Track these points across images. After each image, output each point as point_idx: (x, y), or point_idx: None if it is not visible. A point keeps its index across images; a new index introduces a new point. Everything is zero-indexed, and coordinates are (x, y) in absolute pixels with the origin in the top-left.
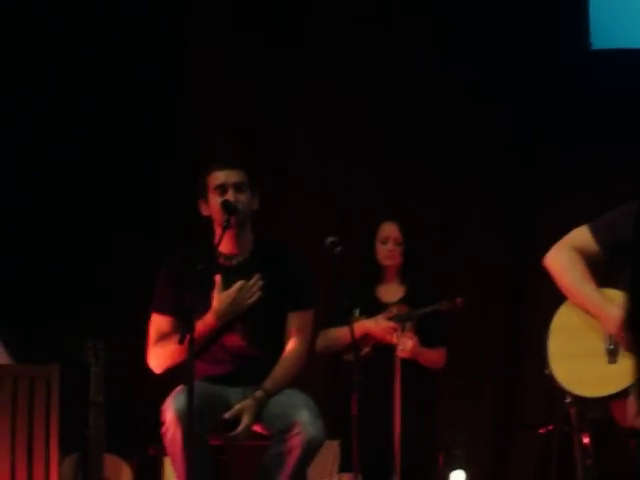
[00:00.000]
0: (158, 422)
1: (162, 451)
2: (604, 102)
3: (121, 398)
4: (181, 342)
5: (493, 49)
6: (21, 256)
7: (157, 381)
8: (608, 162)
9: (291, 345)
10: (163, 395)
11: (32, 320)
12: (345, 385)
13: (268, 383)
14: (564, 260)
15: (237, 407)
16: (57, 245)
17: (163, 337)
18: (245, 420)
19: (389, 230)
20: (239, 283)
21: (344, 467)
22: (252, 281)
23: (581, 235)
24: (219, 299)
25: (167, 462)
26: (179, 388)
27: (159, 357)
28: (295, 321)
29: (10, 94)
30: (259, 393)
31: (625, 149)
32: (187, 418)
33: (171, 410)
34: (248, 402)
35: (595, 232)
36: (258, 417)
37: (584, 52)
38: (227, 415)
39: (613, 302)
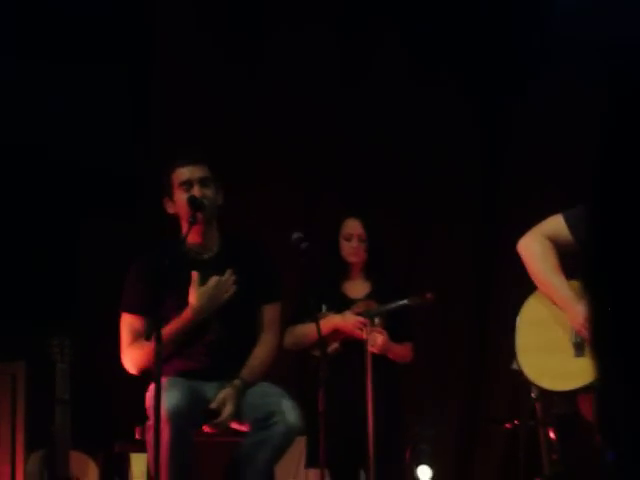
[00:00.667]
0: (125, 418)
1: (129, 448)
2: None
3: (87, 395)
4: (148, 338)
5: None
6: None
7: (123, 378)
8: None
9: (264, 337)
10: (130, 392)
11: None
12: (313, 381)
13: (245, 373)
14: (537, 248)
15: (220, 396)
16: (25, 241)
17: (136, 337)
18: (228, 408)
19: (353, 227)
20: (214, 279)
21: (310, 463)
22: (226, 276)
23: (555, 223)
24: (196, 295)
25: (134, 459)
26: (165, 383)
27: (136, 358)
28: (267, 314)
29: None
30: (237, 382)
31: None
32: (177, 418)
33: (163, 408)
34: (228, 391)
35: (569, 221)
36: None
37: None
38: (213, 405)
39: (581, 296)
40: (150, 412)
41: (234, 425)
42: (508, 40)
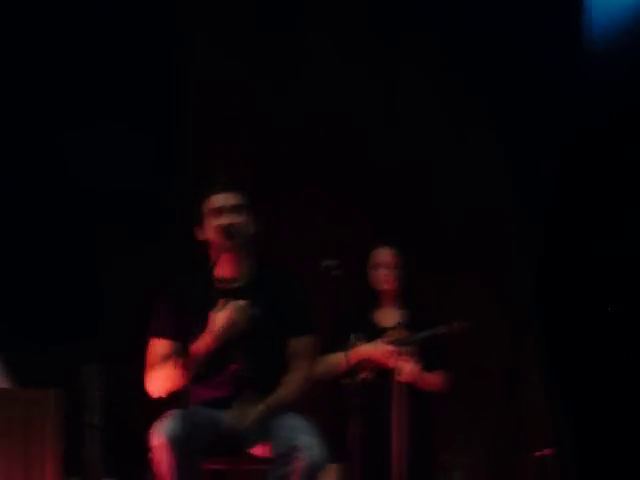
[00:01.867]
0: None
1: None
2: None
3: (119, 422)
4: (176, 365)
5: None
6: (23, 279)
7: (155, 405)
8: None
9: (294, 369)
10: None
11: (32, 343)
12: (344, 409)
13: (270, 399)
14: None
15: (236, 413)
16: (59, 269)
17: (161, 361)
18: (249, 416)
19: (383, 255)
20: (234, 303)
21: None
22: (241, 303)
23: None
24: (214, 319)
25: None
26: (168, 414)
27: (157, 380)
28: (298, 346)
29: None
30: (261, 406)
31: None
32: (177, 443)
33: (159, 436)
34: (249, 409)
35: None
36: (260, 434)
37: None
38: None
39: None
40: (150, 442)
41: (257, 451)
42: None
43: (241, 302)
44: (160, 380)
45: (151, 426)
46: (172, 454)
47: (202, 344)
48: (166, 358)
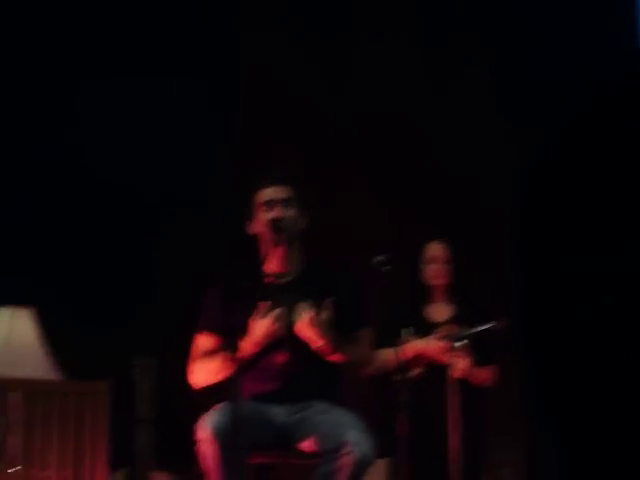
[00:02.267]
0: None
1: None
2: None
3: (170, 414)
4: (226, 361)
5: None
6: (74, 272)
7: (206, 398)
8: None
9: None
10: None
11: (85, 336)
12: (394, 405)
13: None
14: None
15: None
16: (109, 263)
17: (204, 355)
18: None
19: (436, 250)
20: (277, 311)
21: None
22: (281, 310)
23: None
24: (255, 327)
25: None
26: (215, 407)
27: (200, 373)
28: (356, 336)
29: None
30: (325, 318)
31: None
32: (223, 436)
33: (206, 428)
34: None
35: None
36: (308, 429)
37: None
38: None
39: None
40: (196, 435)
41: (304, 446)
42: None
43: (281, 309)
44: (203, 372)
45: (199, 419)
46: (217, 447)
47: (244, 350)
48: (210, 353)
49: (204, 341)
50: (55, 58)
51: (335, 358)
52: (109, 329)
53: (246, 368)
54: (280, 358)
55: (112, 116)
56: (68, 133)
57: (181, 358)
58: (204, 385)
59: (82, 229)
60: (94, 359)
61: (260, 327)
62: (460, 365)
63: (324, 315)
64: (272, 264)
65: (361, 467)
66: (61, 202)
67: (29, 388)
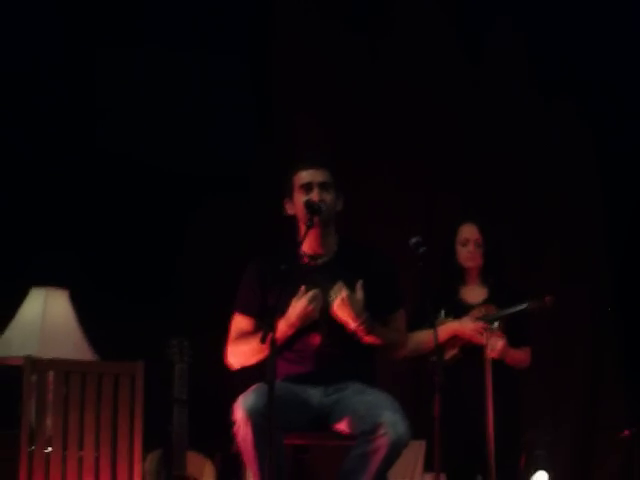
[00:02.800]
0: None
1: None
2: None
3: (205, 395)
4: (263, 342)
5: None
6: (110, 254)
7: (240, 379)
8: None
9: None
10: None
11: (118, 317)
12: (430, 386)
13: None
14: None
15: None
16: (143, 245)
17: (243, 335)
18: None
19: (469, 232)
20: (312, 292)
21: (430, 467)
22: (317, 292)
23: None
24: (293, 307)
25: None
26: (251, 388)
27: (238, 354)
28: (393, 321)
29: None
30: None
31: None
32: (258, 417)
33: (241, 409)
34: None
35: None
36: (344, 410)
37: None
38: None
39: None
40: (233, 416)
41: (340, 427)
42: None
43: (316, 291)
44: (241, 354)
45: (234, 400)
46: (253, 428)
47: (279, 331)
48: (247, 334)
49: (240, 322)
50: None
51: (370, 339)
52: (143, 310)
53: (281, 349)
54: (315, 339)
55: (149, 97)
56: (101, 120)
57: (215, 339)
58: (240, 366)
59: (117, 210)
60: (129, 340)
61: (295, 308)
62: (496, 346)
63: (358, 295)
64: (308, 246)
65: (396, 449)
66: (96, 183)
67: (65, 369)
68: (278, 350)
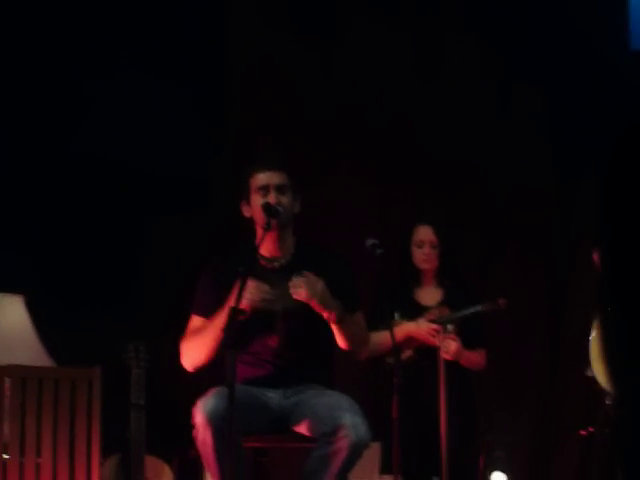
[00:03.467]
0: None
1: None
2: None
3: (162, 400)
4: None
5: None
6: (65, 259)
7: (198, 383)
8: None
9: None
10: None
11: (75, 322)
12: (387, 388)
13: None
14: None
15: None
16: (98, 249)
17: (194, 331)
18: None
19: (424, 233)
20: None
21: (385, 469)
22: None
23: None
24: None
25: None
26: (211, 391)
27: (190, 349)
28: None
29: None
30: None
31: None
32: (218, 420)
33: (201, 413)
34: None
35: None
36: (304, 411)
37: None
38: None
39: None
40: (193, 420)
41: (300, 429)
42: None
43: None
44: (191, 351)
45: (193, 404)
46: (213, 431)
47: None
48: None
49: (197, 324)
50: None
51: (339, 330)
52: (100, 315)
53: (239, 352)
54: (273, 341)
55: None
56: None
57: (173, 343)
58: (193, 366)
59: (71, 215)
60: (86, 345)
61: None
62: (451, 347)
63: (320, 284)
64: (265, 248)
65: (357, 450)
66: (50, 188)
67: (21, 375)
68: (236, 353)
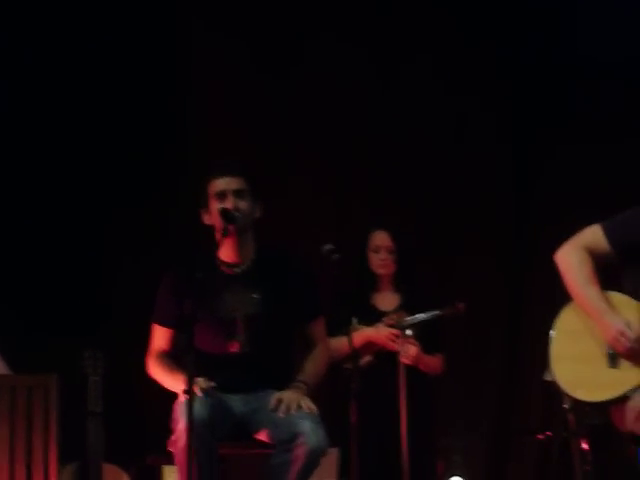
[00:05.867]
0: (157, 431)
1: (161, 460)
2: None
3: (119, 408)
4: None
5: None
6: (20, 266)
7: (155, 390)
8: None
9: (317, 349)
10: (161, 405)
11: (30, 330)
12: (344, 393)
13: (305, 375)
14: (573, 259)
15: (279, 397)
16: (56, 256)
17: (161, 356)
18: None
19: (381, 239)
20: None
21: (343, 475)
22: None
23: (593, 234)
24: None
25: (166, 471)
26: (188, 397)
27: (156, 375)
28: (315, 329)
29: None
30: (298, 384)
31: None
32: (199, 427)
33: (184, 420)
34: (290, 392)
35: (607, 232)
36: (264, 419)
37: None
38: (280, 413)
39: (614, 308)
40: (173, 426)
41: (260, 436)
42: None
43: None
44: (160, 379)
45: (154, 412)
46: (194, 438)
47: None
48: (165, 346)
49: (159, 334)
50: None
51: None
52: (56, 322)
53: (201, 357)
54: (234, 347)
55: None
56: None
57: (130, 351)
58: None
59: (26, 221)
60: (42, 353)
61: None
62: (410, 352)
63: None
64: (225, 254)
65: (314, 458)
66: (7, 194)
67: None
68: (197, 357)
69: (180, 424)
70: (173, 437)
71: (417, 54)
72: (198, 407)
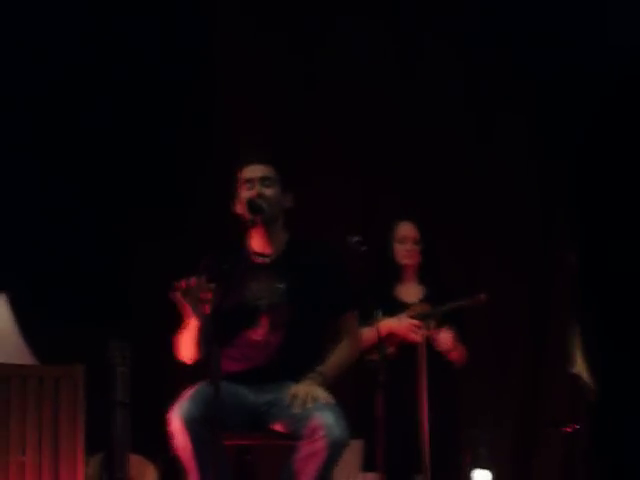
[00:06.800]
0: None
1: None
2: None
3: (146, 398)
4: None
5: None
6: (48, 257)
7: (182, 381)
8: None
9: (345, 342)
10: None
11: (57, 321)
12: (369, 385)
13: (322, 367)
14: None
15: (292, 391)
16: (83, 245)
17: (185, 327)
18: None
19: (407, 229)
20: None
21: (367, 467)
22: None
23: None
24: None
25: None
26: (185, 394)
27: (180, 345)
28: (345, 323)
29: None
30: (313, 375)
31: None
32: (194, 424)
33: (177, 419)
34: (304, 385)
35: None
36: (283, 416)
37: None
38: (297, 409)
39: None
40: (169, 427)
41: (279, 428)
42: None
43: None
44: (183, 343)
45: (169, 409)
46: (191, 437)
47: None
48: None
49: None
50: None
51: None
52: (84, 313)
53: (224, 347)
54: (257, 336)
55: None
56: None
57: (158, 341)
58: (189, 356)
59: (55, 212)
60: (69, 343)
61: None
62: (447, 339)
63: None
64: (255, 244)
65: (336, 450)
66: (33, 186)
67: (4, 373)
68: (221, 348)
69: (174, 424)
70: (172, 438)
71: (443, 39)
72: (189, 405)
